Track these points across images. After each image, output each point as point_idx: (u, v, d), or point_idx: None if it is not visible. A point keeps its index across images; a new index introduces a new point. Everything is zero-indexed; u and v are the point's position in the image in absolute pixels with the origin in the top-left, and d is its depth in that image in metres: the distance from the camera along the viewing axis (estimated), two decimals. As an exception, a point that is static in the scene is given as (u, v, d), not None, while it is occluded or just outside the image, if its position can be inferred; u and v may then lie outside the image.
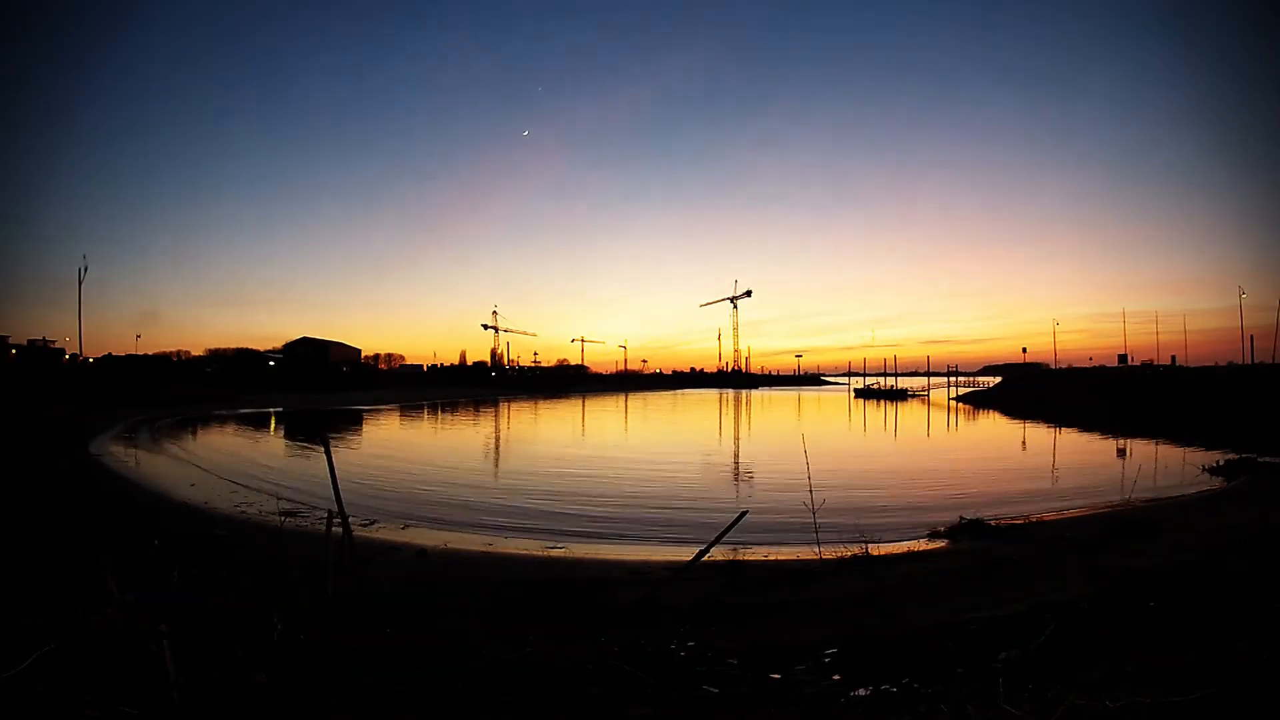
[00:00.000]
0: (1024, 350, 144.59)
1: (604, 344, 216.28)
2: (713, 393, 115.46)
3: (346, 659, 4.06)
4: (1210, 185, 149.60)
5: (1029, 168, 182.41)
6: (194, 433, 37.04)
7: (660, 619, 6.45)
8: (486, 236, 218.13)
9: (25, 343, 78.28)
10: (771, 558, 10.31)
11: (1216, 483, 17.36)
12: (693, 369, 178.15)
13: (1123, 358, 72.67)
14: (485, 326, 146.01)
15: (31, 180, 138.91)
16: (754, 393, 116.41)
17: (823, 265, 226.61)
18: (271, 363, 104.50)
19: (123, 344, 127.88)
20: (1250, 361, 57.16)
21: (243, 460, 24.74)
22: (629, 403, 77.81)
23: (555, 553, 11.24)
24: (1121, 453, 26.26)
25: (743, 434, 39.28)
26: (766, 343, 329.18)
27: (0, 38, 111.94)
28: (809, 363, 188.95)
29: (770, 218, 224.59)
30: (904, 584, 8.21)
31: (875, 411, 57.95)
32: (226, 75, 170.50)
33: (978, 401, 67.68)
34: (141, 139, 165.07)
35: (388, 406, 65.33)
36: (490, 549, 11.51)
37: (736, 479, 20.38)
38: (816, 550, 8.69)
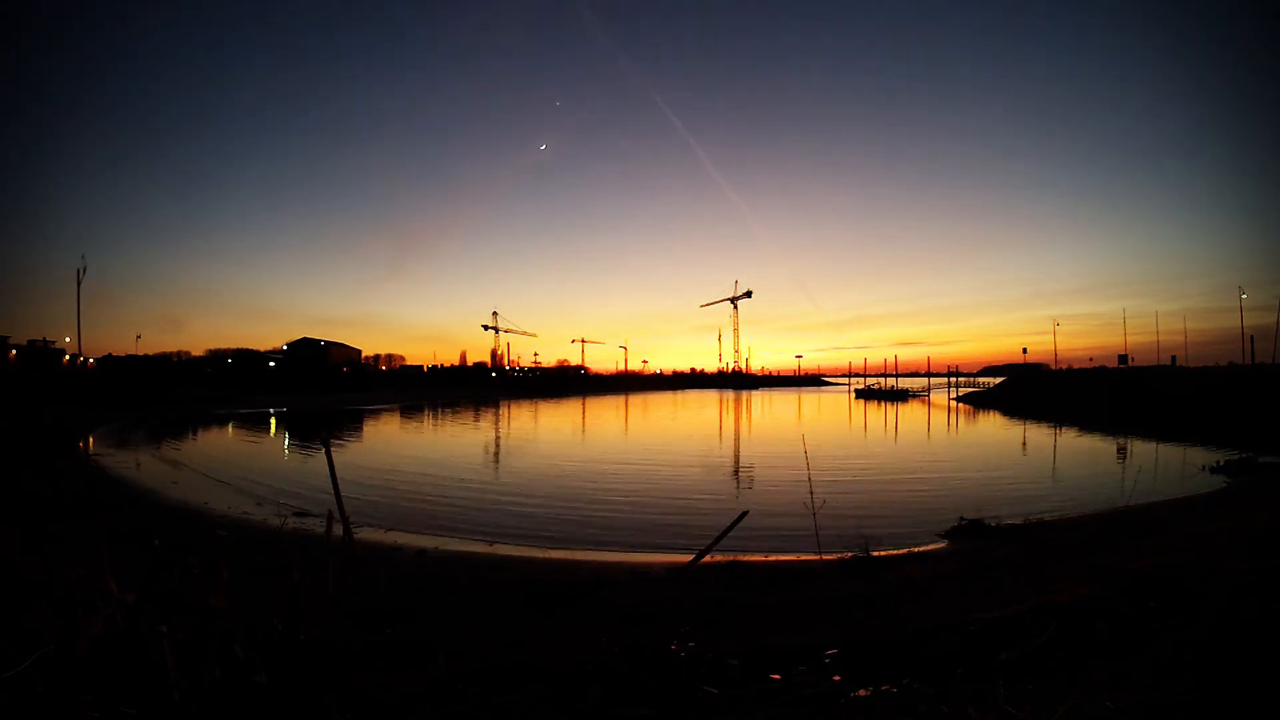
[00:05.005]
0: (1024, 350, 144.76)
1: (604, 345, 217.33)
2: (713, 393, 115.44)
3: (347, 660, 4.06)
4: (1210, 185, 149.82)
5: (1029, 168, 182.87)
6: (194, 433, 37.04)
7: (661, 619, 6.44)
8: (487, 237, 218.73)
9: (25, 343, 78.17)
10: (772, 558, 10.31)
11: (1217, 483, 17.37)
12: (693, 370, 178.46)
13: (1123, 358, 72.63)
14: (486, 327, 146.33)
15: (31, 180, 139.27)
16: (754, 393, 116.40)
17: (823, 266, 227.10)
18: (272, 363, 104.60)
19: (123, 344, 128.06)
20: (1250, 362, 57.23)
21: (243, 461, 24.75)
22: (629, 404, 77.80)
23: (556, 553, 11.22)
24: (1121, 453, 26.27)
25: (743, 435, 39.27)
26: (767, 343, 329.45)
27: (1, 38, 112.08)
28: (809, 363, 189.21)
29: (771, 218, 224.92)
30: (904, 585, 8.20)
31: (876, 412, 57.96)
32: (228, 74, 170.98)
33: (978, 402, 67.70)
34: (142, 139, 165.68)
35: (388, 407, 65.34)
36: (490, 550, 11.50)
37: (737, 480, 20.37)
38: (817, 552, 8.69)
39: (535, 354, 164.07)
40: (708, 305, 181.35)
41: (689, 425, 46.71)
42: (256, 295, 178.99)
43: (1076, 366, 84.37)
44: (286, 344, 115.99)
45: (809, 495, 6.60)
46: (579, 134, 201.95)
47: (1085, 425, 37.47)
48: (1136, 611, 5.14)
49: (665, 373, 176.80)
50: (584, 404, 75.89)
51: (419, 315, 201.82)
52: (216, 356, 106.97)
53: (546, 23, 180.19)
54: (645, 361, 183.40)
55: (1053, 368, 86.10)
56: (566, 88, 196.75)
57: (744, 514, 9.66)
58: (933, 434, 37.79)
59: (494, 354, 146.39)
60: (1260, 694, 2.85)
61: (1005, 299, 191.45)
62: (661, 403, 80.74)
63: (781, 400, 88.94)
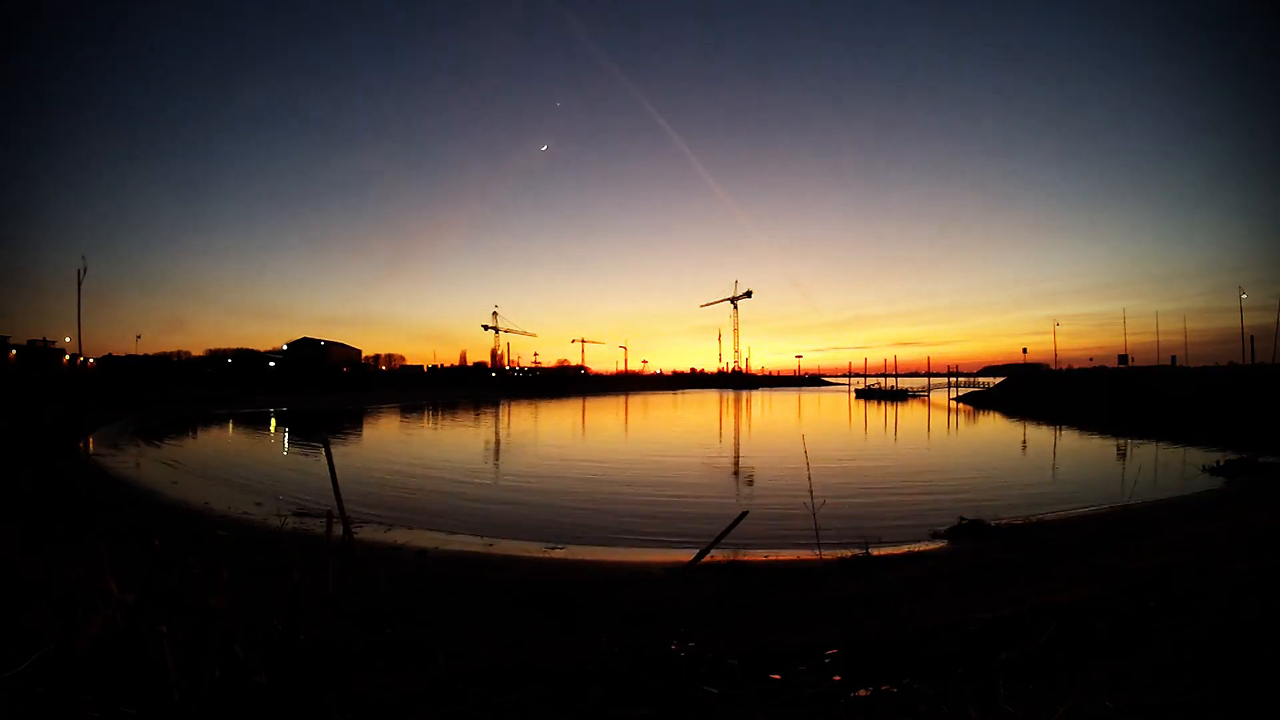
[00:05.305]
0: (1024, 350, 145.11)
1: (604, 345, 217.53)
2: (713, 393, 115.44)
3: (347, 660, 4.06)
4: (1210, 185, 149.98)
5: (1029, 167, 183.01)
6: (194, 434, 37.05)
7: (661, 619, 6.44)
8: (487, 237, 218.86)
9: (25, 343, 78.15)
10: (772, 558, 10.30)
11: (1216, 483, 17.37)
12: (693, 370, 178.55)
13: (1123, 358, 72.66)
14: (486, 327, 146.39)
15: (32, 180, 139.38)
16: (754, 394, 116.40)
17: (823, 266, 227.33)
18: (272, 363, 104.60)
19: (123, 344, 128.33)
20: (1250, 362, 57.25)
21: (243, 461, 24.75)
22: (629, 404, 77.79)
23: (556, 554, 11.23)
24: (1121, 453, 26.26)
25: (743, 435, 39.27)
26: (767, 344, 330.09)
27: (1, 39, 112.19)
28: (809, 364, 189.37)
29: (769, 220, 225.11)
30: (904, 585, 8.20)
31: (876, 412, 57.95)
32: (228, 75, 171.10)
33: (978, 402, 67.69)
34: (143, 140, 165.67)
35: (388, 407, 65.33)
36: (490, 550, 11.50)
37: (737, 480, 20.37)
38: (817, 551, 8.68)
39: (535, 354, 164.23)
40: (708, 305, 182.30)
41: (689, 425, 46.71)
42: (256, 295, 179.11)
43: (1076, 366, 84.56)
44: (286, 344, 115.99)
45: (809, 495, 6.60)
46: (579, 135, 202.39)
47: (1085, 425, 37.45)
48: (1136, 611, 5.14)
49: (665, 373, 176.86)
50: (584, 404, 75.87)
51: (419, 315, 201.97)
52: (216, 356, 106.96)
53: (543, 28, 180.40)
54: (645, 362, 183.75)
55: (1053, 368, 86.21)
56: (564, 90, 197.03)
57: (744, 514, 9.66)
58: (933, 434, 37.78)
59: (494, 354, 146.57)
60: (1260, 694, 2.85)
61: (1005, 299, 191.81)
62: (661, 403, 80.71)
63: (781, 400, 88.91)
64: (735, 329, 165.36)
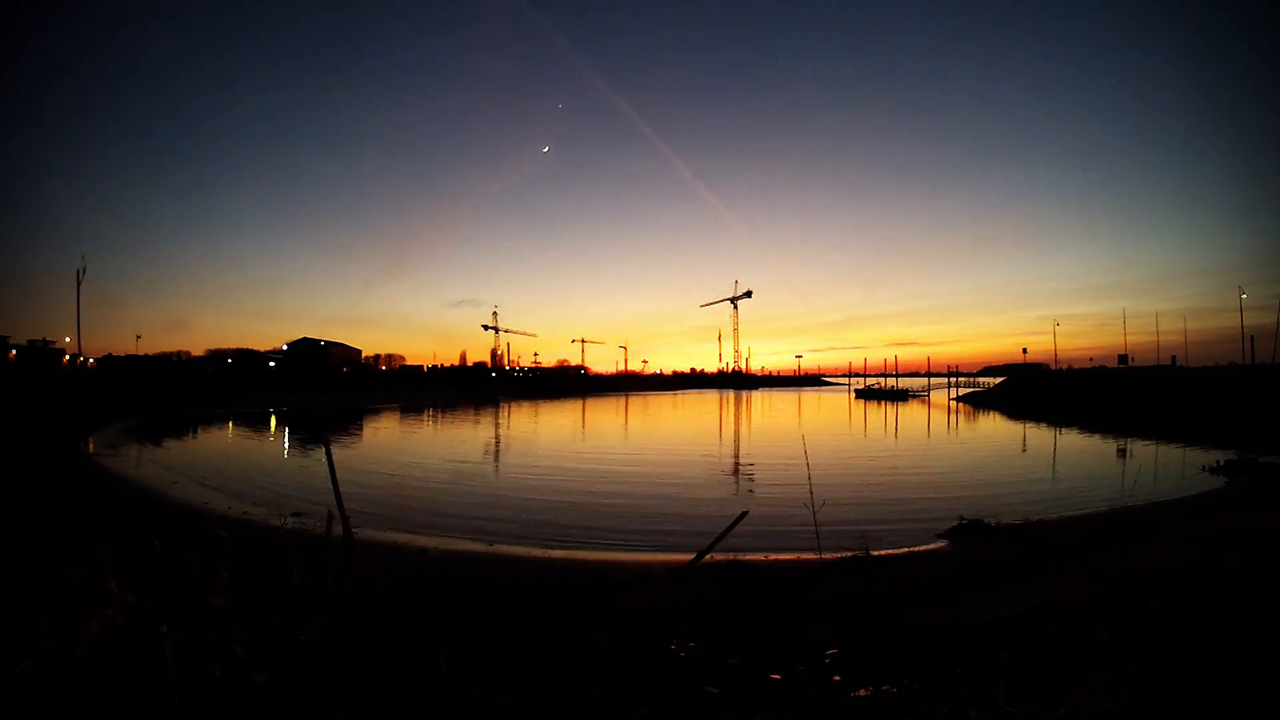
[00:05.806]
0: (1024, 350, 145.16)
1: (604, 345, 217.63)
2: (713, 394, 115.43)
3: (347, 660, 4.05)
4: (1211, 185, 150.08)
5: (1029, 167, 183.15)
6: (194, 434, 37.05)
7: (661, 619, 6.44)
8: (487, 237, 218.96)
9: (25, 343, 78.14)
10: (772, 558, 10.30)
11: (1217, 483, 17.37)
12: (693, 370, 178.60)
13: (1123, 358, 72.74)
14: (486, 327, 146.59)
15: (32, 181, 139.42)
16: (754, 394, 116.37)
17: (823, 266, 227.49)
18: (272, 363, 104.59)
19: (123, 344, 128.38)
20: (1250, 362, 57.28)
21: (243, 461, 24.74)
22: (629, 404, 77.77)
23: (556, 554, 11.22)
24: (1121, 453, 26.26)
25: (743, 435, 39.26)
26: (767, 344, 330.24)
27: (1, 38, 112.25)
28: (809, 364, 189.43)
29: (771, 219, 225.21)
30: (904, 585, 8.20)
31: (876, 412, 57.94)
32: (229, 76, 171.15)
33: (978, 402, 67.68)
34: (143, 141, 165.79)
35: (388, 407, 65.33)
36: (491, 550, 11.50)
37: (737, 480, 20.37)
38: (817, 551, 8.69)
39: (535, 354, 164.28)
40: (708, 305, 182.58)
41: (689, 425, 46.71)
42: (256, 295, 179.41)
43: (1077, 366, 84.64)
44: (286, 344, 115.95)
45: (809, 495, 6.60)
46: (577, 137, 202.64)
47: (1085, 425, 37.45)
48: (1136, 611, 5.13)
49: (665, 373, 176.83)
50: (584, 404, 75.86)
51: (419, 315, 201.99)
52: (216, 356, 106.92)
53: (533, 38, 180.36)
54: (645, 362, 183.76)
55: (1053, 368, 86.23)
56: (559, 96, 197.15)
57: (744, 514, 9.63)
58: (933, 434, 37.78)
59: (494, 354, 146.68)
60: (1260, 694, 2.85)
61: (1005, 299, 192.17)
62: (661, 403, 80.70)
63: (782, 400, 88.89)
64: (735, 329, 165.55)
